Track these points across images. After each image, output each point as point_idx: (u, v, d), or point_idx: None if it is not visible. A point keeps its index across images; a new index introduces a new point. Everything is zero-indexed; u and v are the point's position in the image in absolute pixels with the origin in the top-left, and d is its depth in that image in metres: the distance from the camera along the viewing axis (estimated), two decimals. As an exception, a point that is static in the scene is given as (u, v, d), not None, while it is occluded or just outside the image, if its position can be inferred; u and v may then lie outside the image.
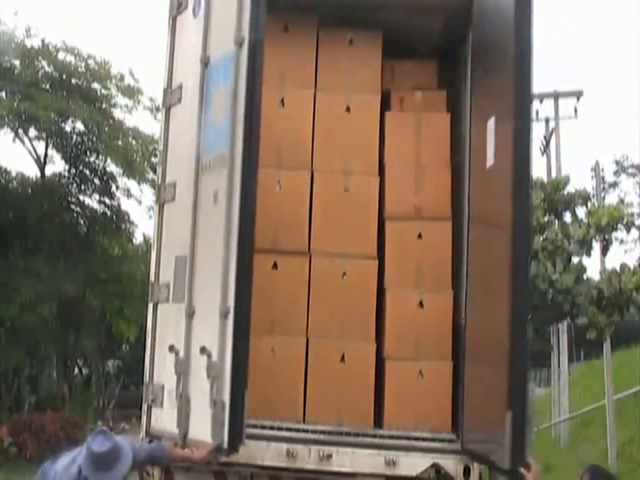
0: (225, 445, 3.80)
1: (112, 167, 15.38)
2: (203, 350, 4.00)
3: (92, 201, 16.20)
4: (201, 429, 3.96)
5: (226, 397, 3.82)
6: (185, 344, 4.18)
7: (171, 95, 4.73)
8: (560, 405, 17.02)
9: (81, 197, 16.19)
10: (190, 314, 4.19)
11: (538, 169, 20.08)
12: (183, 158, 4.49)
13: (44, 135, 14.80)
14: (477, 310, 4.51)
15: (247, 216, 3.93)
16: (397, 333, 4.79)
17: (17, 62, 14.16)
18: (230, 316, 3.87)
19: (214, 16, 4.39)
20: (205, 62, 4.38)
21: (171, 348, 4.27)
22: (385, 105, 5.14)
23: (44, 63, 14.32)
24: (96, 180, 15.81)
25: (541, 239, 8.99)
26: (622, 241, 19.97)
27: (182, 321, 4.21)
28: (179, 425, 4.09)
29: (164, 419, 4.26)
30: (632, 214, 9.64)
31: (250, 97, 4.00)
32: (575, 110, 18.29)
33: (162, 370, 4.37)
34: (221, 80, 4.24)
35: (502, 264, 3.95)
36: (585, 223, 9.33)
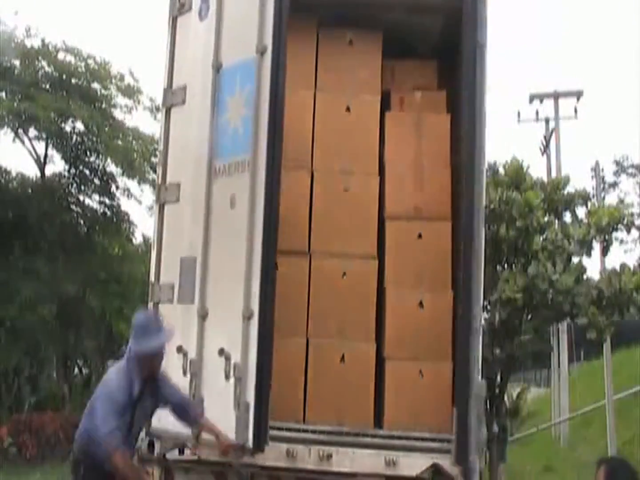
0: (250, 445, 3.83)
1: (112, 167, 15.33)
2: (221, 352, 4.00)
3: (92, 201, 16.17)
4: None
5: (250, 398, 3.87)
6: (197, 346, 4.18)
7: (172, 96, 4.73)
8: (560, 405, 17.01)
9: (81, 197, 16.15)
10: (203, 316, 4.19)
11: (538, 169, 20.10)
12: (189, 160, 4.50)
13: (44, 135, 14.74)
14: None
15: (272, 221, 3.98)
16: (397, 333, 4.79)
17: (17, 62, 14.13)
18: (255, 319, 3.90)
19: (227, 22, 4.41)
20: (217, 67, 4.39)
21: (179, 349, 4.26)
22: (385, 105, 5.15)
23: (44, 63, 14.27)
24: (96, 180, 15.75)
25: (541, 239, 8.96)
26: (622, 241, 20.00)
27: (193, 323, 4.22)
28: (191, 426, 4.11)
29: (167, 419, 4.25)
30: (632, 214, 9.60)
31: (273, 105, 4.05)
32: (575, 110, 18.30)
33: (165, 371, 4.37)
34: (237, 86, 4.26)
35: (460, 262, 4.06)
36: (585, 223, 9.30)
